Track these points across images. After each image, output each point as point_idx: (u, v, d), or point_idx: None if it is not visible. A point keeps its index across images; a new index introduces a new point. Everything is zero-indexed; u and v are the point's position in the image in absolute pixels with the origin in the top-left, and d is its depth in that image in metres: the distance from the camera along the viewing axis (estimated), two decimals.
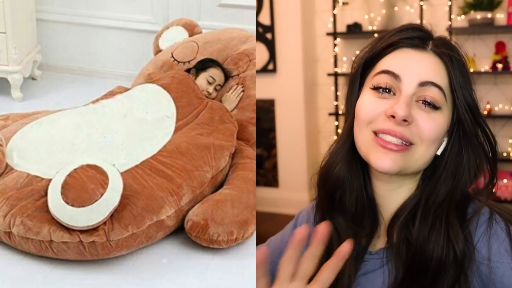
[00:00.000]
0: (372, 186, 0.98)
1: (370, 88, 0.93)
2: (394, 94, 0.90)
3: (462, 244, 0.86)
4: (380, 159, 0.88)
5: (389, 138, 0.88)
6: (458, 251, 0.86)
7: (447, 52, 0.91)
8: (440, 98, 0.89)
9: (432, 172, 0.94)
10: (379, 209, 0.98)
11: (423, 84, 0.89)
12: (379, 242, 0.97)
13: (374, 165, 0.89)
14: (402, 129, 0.88)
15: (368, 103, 0.92)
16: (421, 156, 0.90)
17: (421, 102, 0.89)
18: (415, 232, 0.89)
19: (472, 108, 0.91)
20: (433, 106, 0.89)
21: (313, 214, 1.08)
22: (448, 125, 0.91)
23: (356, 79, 0.98)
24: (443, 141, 0.93)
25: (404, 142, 0.88)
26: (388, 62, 0.92)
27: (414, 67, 0.90)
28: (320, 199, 1.03)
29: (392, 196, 0.96)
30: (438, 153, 0.93)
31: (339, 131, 4.05)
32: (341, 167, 0.97)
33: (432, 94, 0.89)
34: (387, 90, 0.91)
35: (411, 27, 0.94)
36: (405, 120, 0.87)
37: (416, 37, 0.92)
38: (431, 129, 0.89)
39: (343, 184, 0.98)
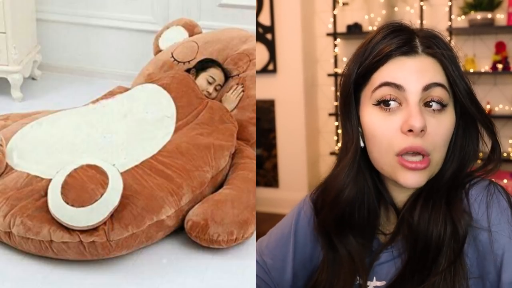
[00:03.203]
0: (386, 190, 0.99)
1: (373, 104, 0.92)
2: (400, 105, 0.90)
3: (464, 222, 0.87)
4: (409, 179, 0.89)
5: (410, 157, 0.89)
6: (459, 228, 0.87)
7: (439, 51, 0.91)
8: (445, 95, 0.90)
9: None
10: (396, 206, 0.99)
11: (427, 87, 0.89)
12: (398, 236, 0.98)
13: (403, 184, 0.90)
14: (421, 141, 0.88)
15: (379, 122, 0.91)
16: (439, 160, 0.92)
17: (428, 104, 0.90)
18: (417, 216, 0.91)
19: (471, 95, 0.92)
20: (441, 104, 0.90)
21: (309, 228, 1.07)
22: (454, 120, 0.92)
23: (351, 99, 0.96)
24: None
25: (424, 156, 0.89)
26: (385, 74, 0.91)
27: (414, 74, 0.90)
28: (327, 221, 1.02)
29: (408, 191, 0.96)
30: None
31: (339, 131, 4.06)
32: (352, 189, 0.97)
33: (438, 93, 0.90)
34: (391, 102, 0.90)
35: (392, 31, 0.93)
36: (422, 130, 0.87)
37: (403, 42, 0.91)
38: (442, 135, 0.90)
39: (353, 204, 0.98)
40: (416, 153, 0.88)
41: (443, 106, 0.90)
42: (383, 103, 0.91)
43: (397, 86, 0.89)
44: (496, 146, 0.95)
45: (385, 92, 0.90)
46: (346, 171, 0.97)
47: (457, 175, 0.93)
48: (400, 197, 0.98)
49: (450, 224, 0.88)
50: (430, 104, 0.90)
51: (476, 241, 0.87)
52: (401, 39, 0.92)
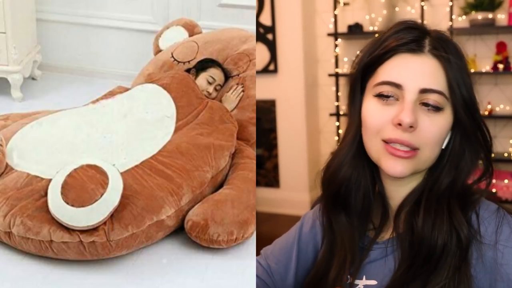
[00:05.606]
0: (381, 182, 1.01)
1: (373, 95, 0.95)
2: (398, 100, 0.92)
3: (466, 230, 0.89)
4: (391, 165, 0.92)
5: (398, 146, 0.91)
6: (462, 236, 0.88)
7: (445, 54, 0.92)
8: (442, 100, 0.91)
9: (436, 164, 0.96)
10: (387, 201, 1.01)
11: (424, 91, 0.91)
12: (386, 232, 1.00)
13: (386, 171, 0.93)
14: (408, 136, 0.90)
15: (374, 112, 0.94)
16: (428, 157, 0.93)
17: (424, 105, 0.91)
18: (420, 221, 0.92)
19: (468, 105, 0.93)
20: (436, 108, 0.91)
21: (319, 217, 1.10)
22: (450, 123, 0.93)
23: (357, 85, 0.99)
24: (447, 135, 0.95)
25: (411, 148, 0.91)
26: (388, 70, 0.94)
27: (414, 75, 0.92)
28: (326, 201, 1.06)
29: (401, 190, 0.98)
30: (443, 146, 0.95)
31: (340, 131, 4.07)
32: (348, 169, 1.00)
33: (434, 98, 0.91)
34: (389, 96, 0.93)
35: (406, 27, 0.95)
36: (411, 126, 0.89)
37: (412, 39, 0.93)
38: (434, 133, 0.91)
39: (349, 184, 1.01)
40: (403, 145, 0.91)
41: (438, 109, 0.91)
42: (381, 96, 0.93)
43: (396, 85, 0.92)
44: (488, 164, 0.96)
45: (384, 89, 0.93)
46: (345, 151, 1.01)
47: (455, 182, 0.94)
48: (395, 194, 0.99)
49: (454, 232, 0.89)
50: (427, 104, 0.91)
51: (485, 257, 0.88)
52: (411, 36, 0.93)
